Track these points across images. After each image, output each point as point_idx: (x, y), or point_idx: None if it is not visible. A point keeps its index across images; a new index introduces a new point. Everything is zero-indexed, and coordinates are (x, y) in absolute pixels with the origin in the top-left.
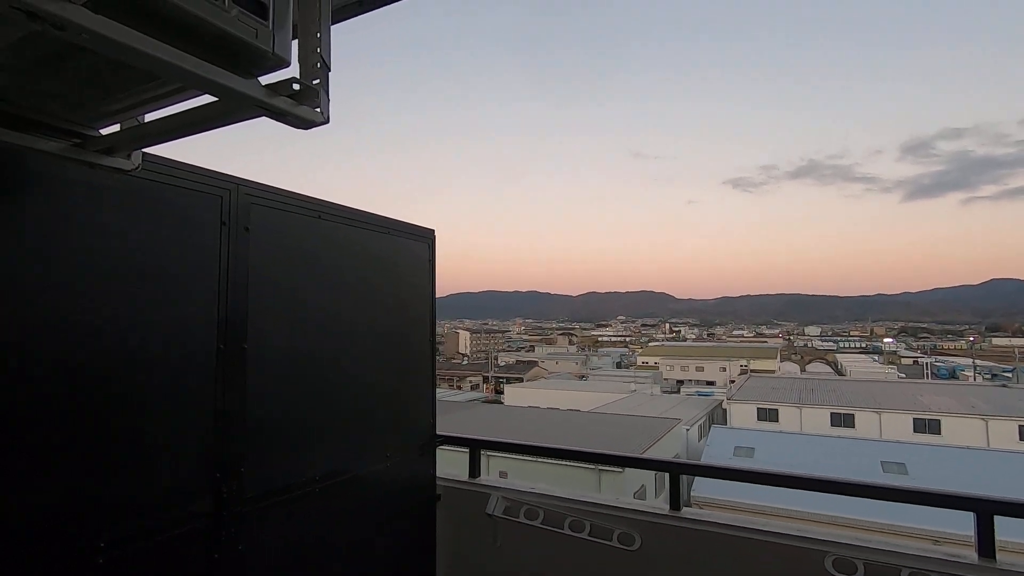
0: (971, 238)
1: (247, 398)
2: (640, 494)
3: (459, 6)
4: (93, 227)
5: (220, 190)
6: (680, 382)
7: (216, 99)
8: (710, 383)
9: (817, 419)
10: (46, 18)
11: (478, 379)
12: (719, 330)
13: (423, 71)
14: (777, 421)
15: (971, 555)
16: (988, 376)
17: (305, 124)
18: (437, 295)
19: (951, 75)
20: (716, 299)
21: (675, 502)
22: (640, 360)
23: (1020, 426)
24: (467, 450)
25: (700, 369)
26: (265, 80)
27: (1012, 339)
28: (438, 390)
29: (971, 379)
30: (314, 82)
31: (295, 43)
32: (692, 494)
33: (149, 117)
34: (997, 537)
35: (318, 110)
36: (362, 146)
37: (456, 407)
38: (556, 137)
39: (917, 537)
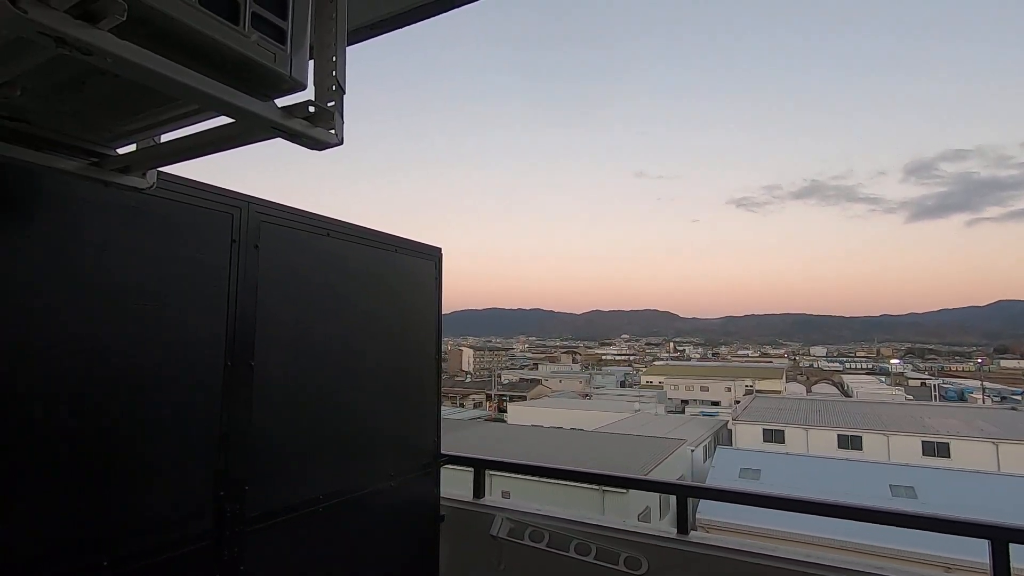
0: (977, 259)
1: (253, 416)
2: (644, 515)
3: (468, 31)
4: (103, 244)
5: (231, 208)
6: (685, 402)
7: (233, 120)
8: (715, 403)
9: (824, 441)
10: (74, 44)
11: (481, 397)
12: (724, 350)
13: (432, 95)
14: (783, 442)
15: None
16: (997, 399)
17: (319, 145)
18: (442, 312)
19: (953, 97)
20: (721, 318)
21: (682, 525)
22: (644, 379)
23: None
24: (471, 469)
25: (705, 389)
26: (281, 102)
27: (1021, 361)
28: (441, 407)
29: (980, 401)
30: (329, 104)
31: (311, 64)
32: (697, 516)
33: (165, 137)
34: (1013, 565)
35: (332, 131)
36: (372, 166)
37: (459, 425)
38: (561, 157)
39: (927, 563)
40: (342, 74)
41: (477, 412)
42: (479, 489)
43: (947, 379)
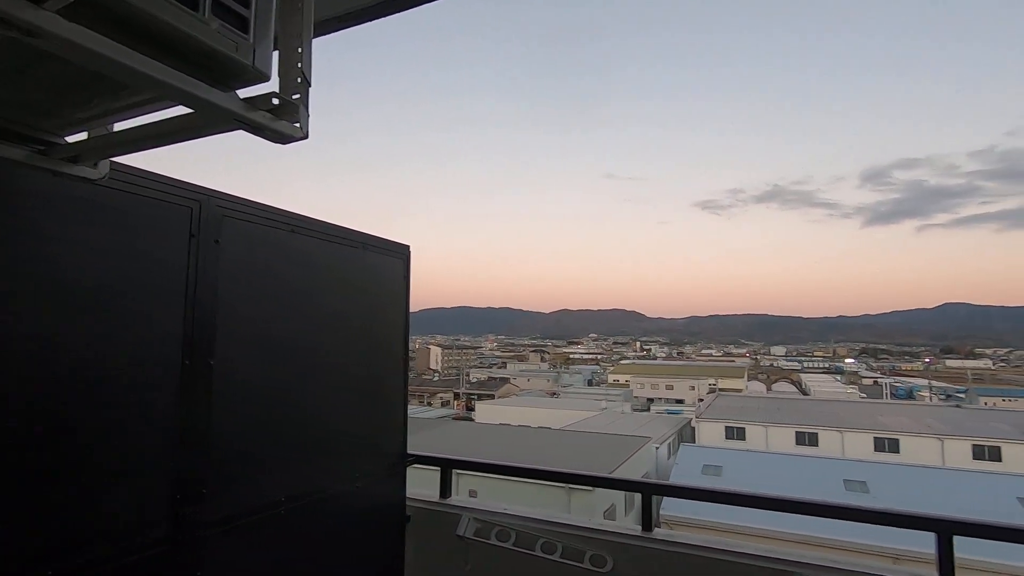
0: (925, 264)
1: (212, 416)
2: (610, 512)
3: (439, 27)
4: (51, 237)
5: (190, 201)
6: (650, 400)
7: (192, 111)
8: (679, 401)
9: (782, 438)
10: (19, 25)
11: (449, 395)
12: (688, 349)
13: (402, 91)
14: (744, 439)
15: (932, 574)
16: (943, 397)
17: (283, 139)
18: (410, 310)
19: (906, 107)
20: (686, 318)
21: (647, 523)
22: (611, 378)
23: (973, 445)
24: (437, 469)
25: (670, 387)
26: (244, 93)
27: (964, 361)
28: (408, 407)
29: (928, 399)
30: (294, 97)
31: (276, 56)
32: (661, 512)
33: (120, 126)
34: (956, 555)
35: (297, 125)
36: (340, 161)
37: (426, 424)
38: (530, 157)
39: (878, 555)
40: (308, 67)
41: (445, 411)
42: (446, 489)
43: (898, 378)
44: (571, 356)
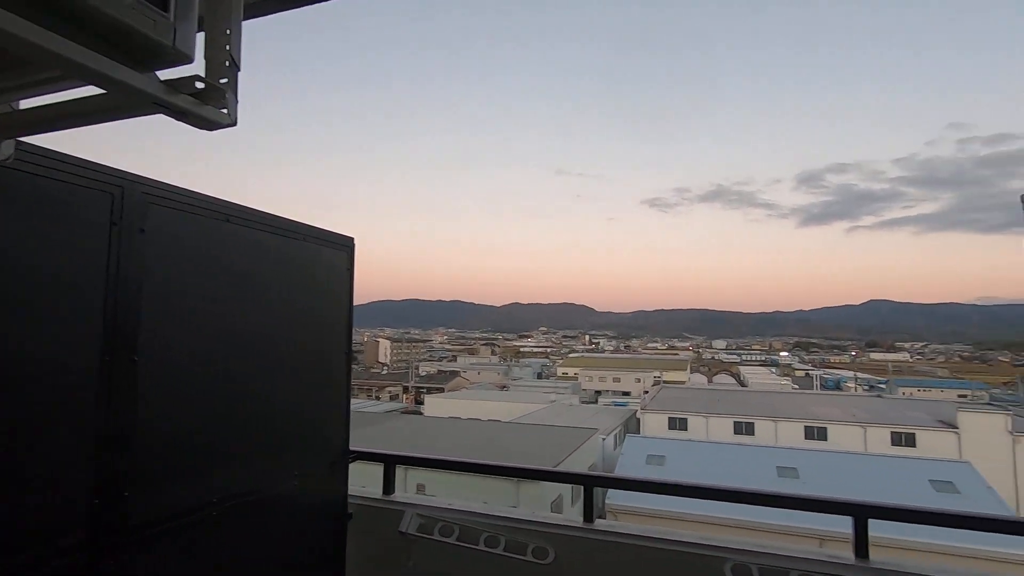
0: (854, 263)
1: (137, 415)
2: (557, 503)
3: (385, 10)
4: None
5: (111, 187)
6: (598, 392)
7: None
8: (626, 394)
9: (722, 428)
10: None
11: (398, 389)
12: (635, 342)
13: (346, 78)
14: (686, 430)
15: (849, 556)
16: (867, 387)
17: (209, 125)
18: (356, 303)
19: (839, 114)
20: (633, 312)
21: (588, 514)
22: (560, 371)
23: (892, 432)
24: (381, 465)
25: (617, 380)
26: (165, 75)
27: (886, 354)
28: (355, 400)
29: (853, 390)
30: (221, 81)
31: (203, 39)
32: (607, 501)
33: (29, 103)
34: (872, 535)
35: (224, 111)
36: (284, 153)
37: (373, 418)
38: (481, 150)
39: (808, 536)
40: (237, 49)
41: (393, 404)
42: (389, 485)
43: (827, 370)
44: (521, 349)
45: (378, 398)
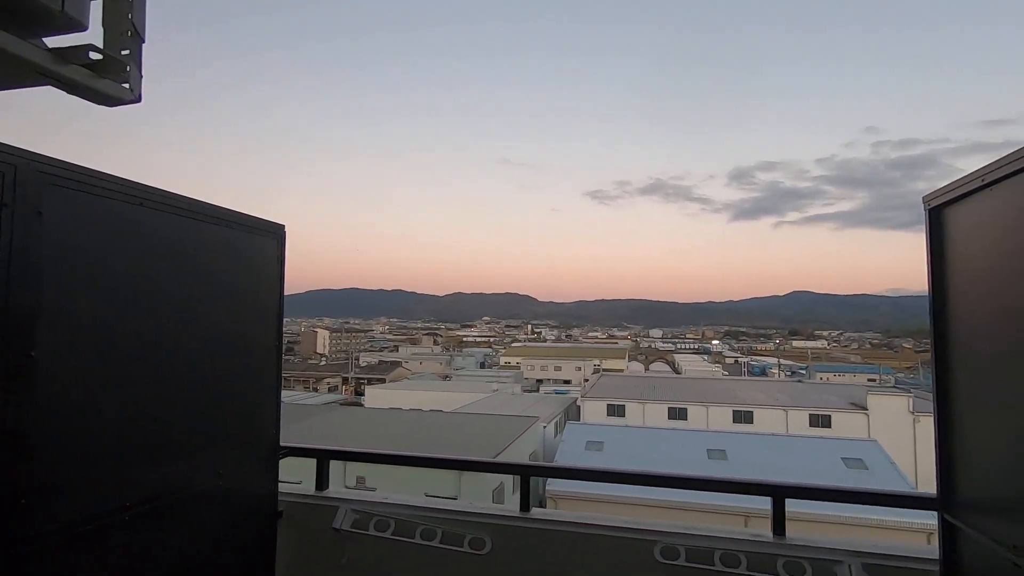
0: (779, 256)
1: (36, 415)
2: (499, 491)
3: None
4: None
5: (1, 164)
6: (540, 381)
7: None
8: (567, 382)
9: (657, 413)
10: None
11: (337, 380)
12: (576, 332)
13: (277, 58)
14: (624, 416)
15: (768, 534)
16: (789, 373)
17: (108, 100)
18: (293, 292)
19: (768, 113)
20: (574, 302)
21: (525, 503)
22: (503, 360)
23: (810, 414)
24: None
25: (558, 369)
26: (56, 44)
27: (807, 342)
28: (291, 393)
29: (777, 376)
30: (122, 53)
31: (101, 5)
32: (548, 488)
33: None
34: (791, 510)
35: (126, 86)
36: (210, 136)
37: (310, 411)
38: (423, 138)
39: (735, 515)
40: (141, 18)
41: (332, 396)
42: (323, 481)
43: (754, 357)
44: (464, 339)
45: (316, 390)
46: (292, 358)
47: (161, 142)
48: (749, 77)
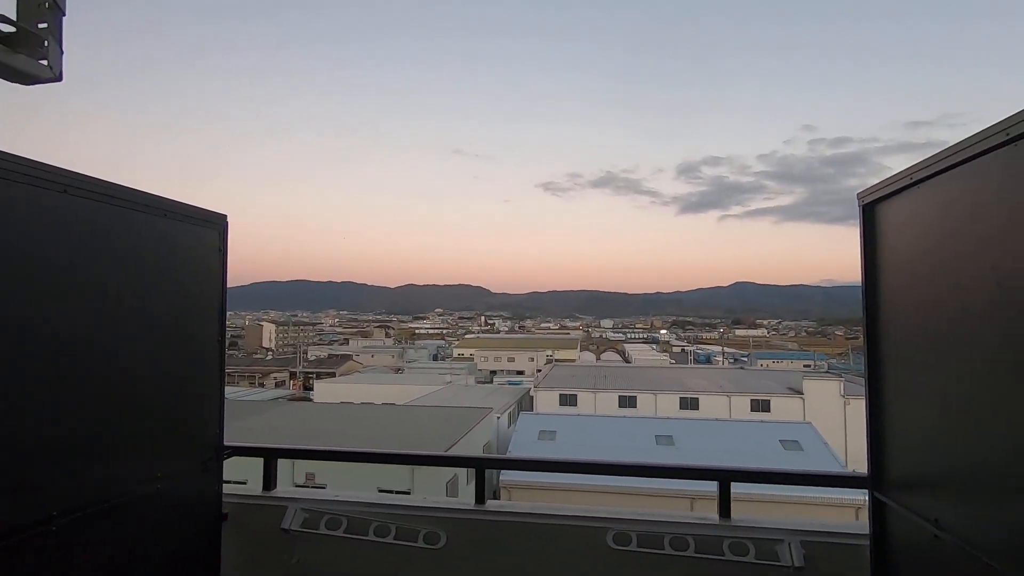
0: (723, 248)
1: None
2: (453, 483)
3: None
4: None
5: None
6: (493, 372)
7: None
8: (520, 372)
9: (608, 402)
10: None
11: (284, 375)
12: (529, 323)
13: (220, 40)
14: (576, 405)
15: (714, 516)
16: (732, 361)
17: (24, 78)
18: (236, 284)
19: (713, 108)
20: (527, 294)
21: (480, 496)
22: (456, 352)
23: (751, 400)
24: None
25: (512, 360)
26: None
27: (749, 331)
28: (235, 389)
29: (721, 363)
30: (39, 26)
31: None
32: (502, 478)
33: None
34: (735, 492)
35: (44, 62)
36: (149, 123)
37: (256, 408)
38: (374, 125)
39: (682, 497)
40: None
41: (279, 392)
42: (270, 480)
43: (700, 346)
44: (417, 331)
45: (262, 385)
46: (236, 353)
47: (88, 125)
48: (698, 74)
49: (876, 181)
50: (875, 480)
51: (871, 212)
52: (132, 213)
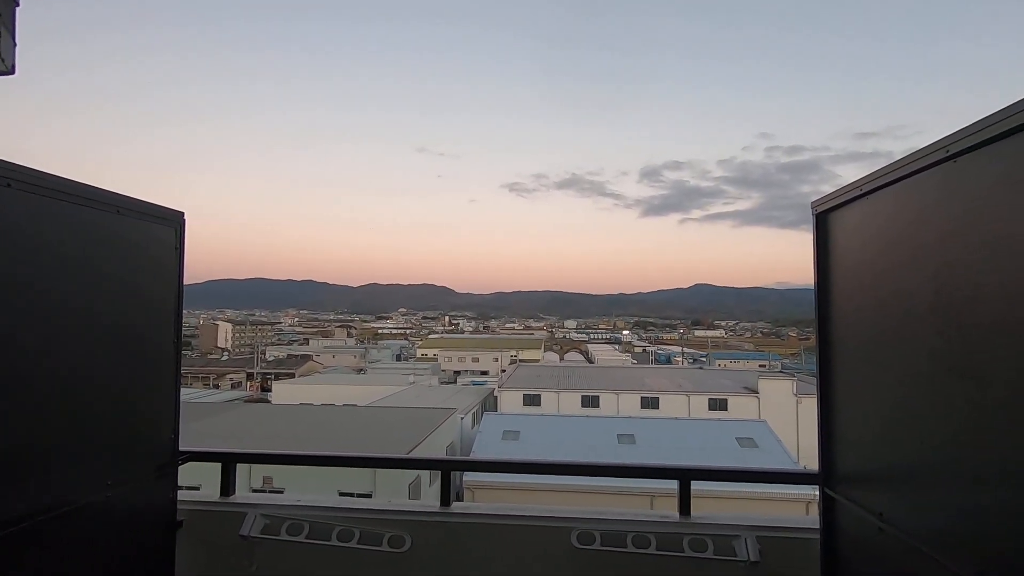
0: (684, 251)
1: None
2: (415, 484)
3: None
4: None
5: None
6: (457, 372)
7: None
8: (484, 373)
9: (571, 401)
10: None
11: (241, 376)
12: (494, 323)
13: (178, 32)
14: (540, 405)
15: (674, 514)
16: (691, 361)
17: None
18: (191, 282)
19: (676, 113)
20: (492, 294)
21: (445, 498)
22: (420, 352)
23: (709, 399)
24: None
25: (476, 360)
26: None
27: (707, 331)
28: (189, 390)
29: (681, 363)
30: None
31: None
32: (466, 478)
33: None
34: (695, 488)
35: None
36: (98, 115)
37: (210, 409)
38: (334, 121)
39: (643, 495)
40: None
41: (235, 393)
42: (228, 486)
43: (660, 346)
44: (380, 331)
45: (217, 386)
46: (190, 353)
47: (42, 120)
48: (660, 80)
49: (828, 188)
50: (825, 476)
51: (823, 221)
52: (83, 210)
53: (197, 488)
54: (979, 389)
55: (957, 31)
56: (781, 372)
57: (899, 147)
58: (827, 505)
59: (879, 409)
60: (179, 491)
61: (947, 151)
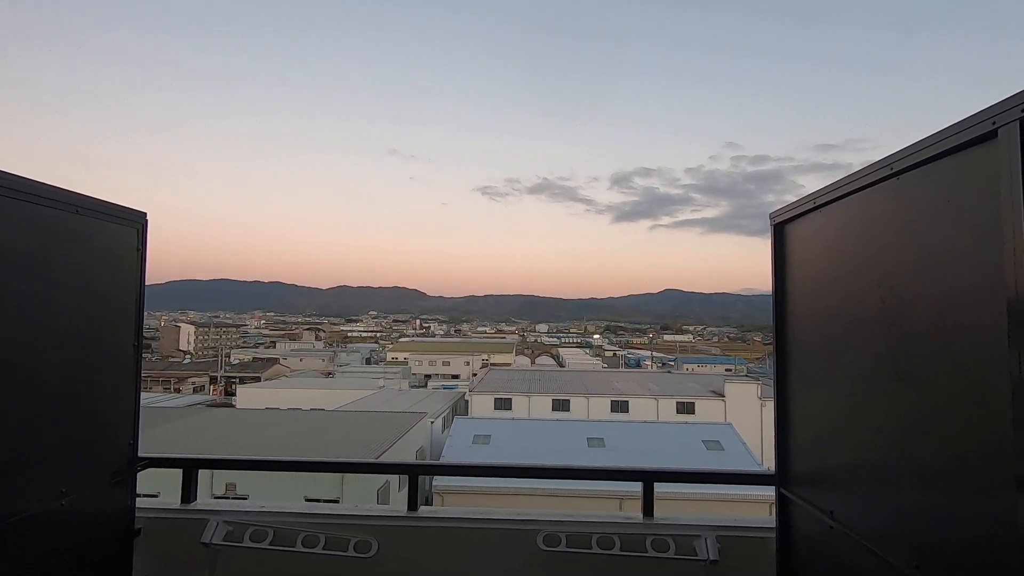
0: (654, 256)
1: None
2: (384, 489)
3: None
4: None
5: None
6: (428, 376)
7: None
8: (455, 376)
9: (542, 405)
10: None
11: (204, 379)
12: (465, 327)
13: (144, 27)
14: (511, 409)
15: (639, 515)
16: (660, 365)
17: None
18: (153, 282)
19: (646, 121)
20: (464, 297)
21: (412, 502)
22: (390, 356)
23: (677, 402)
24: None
25: (447, 364)
26: None
27: (676, 336)
28: (148, 395)
29: (650, 367)
30: None
31: None
32: (434, 483)
33: None
34: (659, 491)
35: None
36: (59, 115)
37: (171, 414)
38: (302, 121)
39: (612, 498)
40: None
41: (198, 397)
42: (189, 492)
43: (630, 350)
44: (349, 335)
45: (179, 391)
46: (150, 356)
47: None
48: (630, 89)
49: (791, 198)
50: (780, 477)
51: (781, 231)
52: (39, 208)
53: (156, 495)
54: (918, 392)
55: (911, 52)
56: (747, 376)
57: (857, 159)
58: (782, 505)
59: (829, 412)
60: (138, 498)
61: (892, 168)
